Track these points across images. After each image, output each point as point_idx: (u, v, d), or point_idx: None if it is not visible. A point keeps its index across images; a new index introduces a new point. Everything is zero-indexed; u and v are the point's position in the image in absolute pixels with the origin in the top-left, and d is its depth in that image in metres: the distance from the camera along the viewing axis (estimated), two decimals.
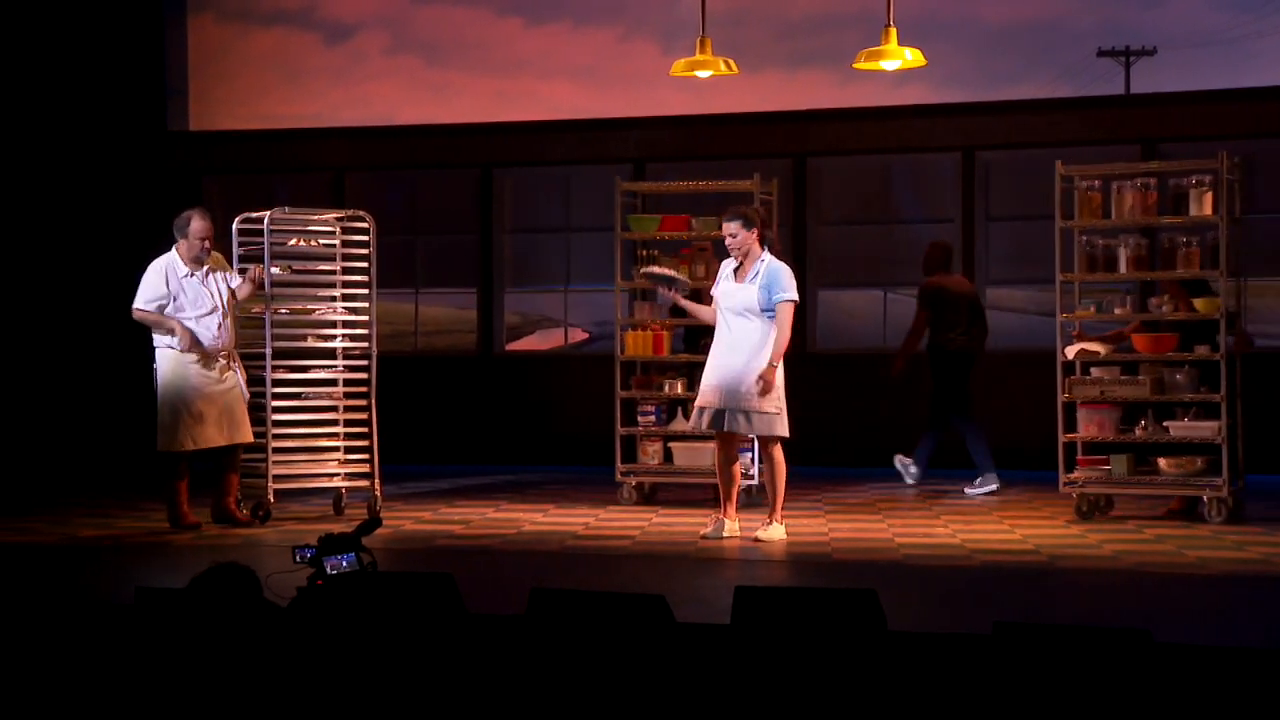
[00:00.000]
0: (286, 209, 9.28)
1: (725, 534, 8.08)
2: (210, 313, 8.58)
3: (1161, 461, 8.76)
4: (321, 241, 9.30)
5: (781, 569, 7.42)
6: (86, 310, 12.86)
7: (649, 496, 9.71)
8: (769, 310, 7.97)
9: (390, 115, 13.04)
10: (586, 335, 13.16)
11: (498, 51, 13.00)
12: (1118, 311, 9.08)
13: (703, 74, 9.74)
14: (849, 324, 11.93)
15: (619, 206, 9.84)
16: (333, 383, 9.23)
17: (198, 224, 8.59)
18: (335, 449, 9.17)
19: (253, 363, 8.98)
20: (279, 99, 13.22)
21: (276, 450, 8.86)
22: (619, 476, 9.66)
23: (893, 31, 9.00)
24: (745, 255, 8.07)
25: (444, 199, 13.26)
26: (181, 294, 8.56)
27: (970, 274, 11.43)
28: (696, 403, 8.21)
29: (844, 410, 11.28)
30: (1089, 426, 8.90)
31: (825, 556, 7.70)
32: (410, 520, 8.87)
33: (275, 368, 8.93)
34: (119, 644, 5.09)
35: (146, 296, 8.58)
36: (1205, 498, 8.65)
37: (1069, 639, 4.45)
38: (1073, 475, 8.87)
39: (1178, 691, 4.44)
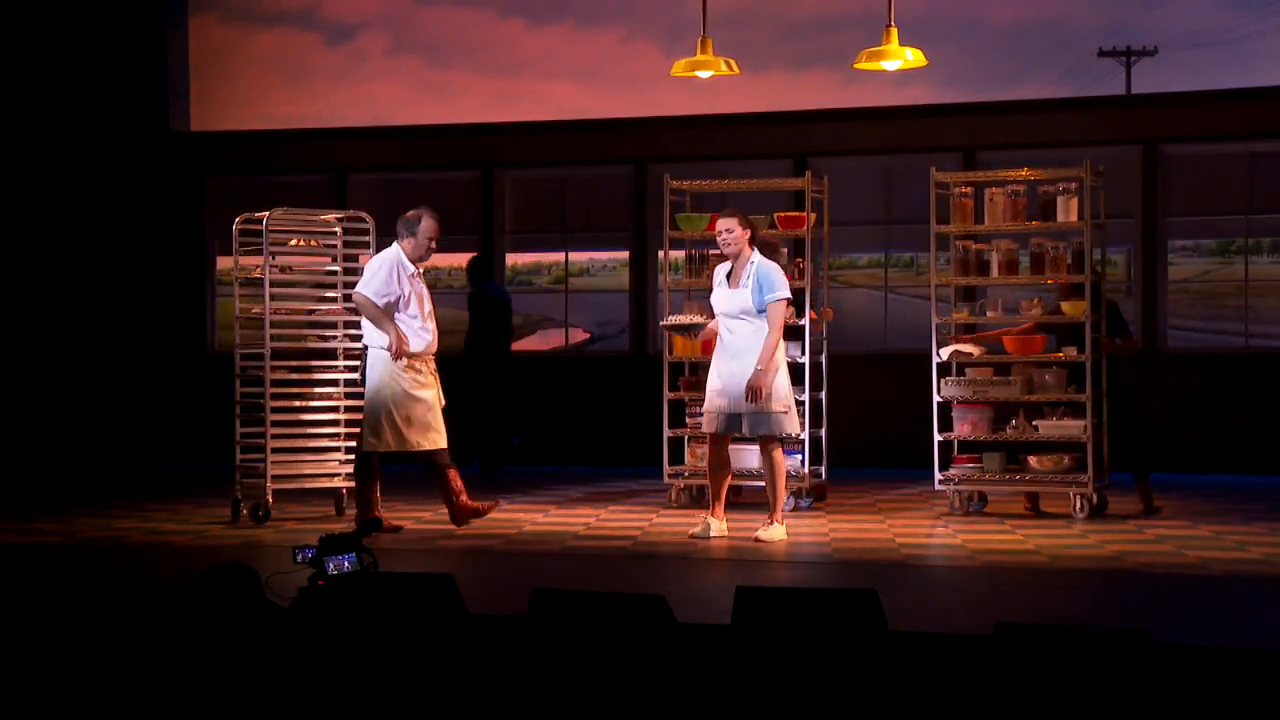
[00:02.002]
0: (286, 209, 9.28)
1: (713, 534, 8.08)
2: (429, 314, 8.45)
3: (1031, 459, 9.03)
4: (322, 242, 9.30)
5: (782, 569, 7.42)
6: (89, 311, 12.88)
7: (697, 499, 9.58)
8: (763, 310, 8.00)
9: (392, 116, 13.05)
10: (588, 336, 13.16)
11: (500, 52, 13.01)
12: (990, 314, 9.37)
13: (703, 74, 9.74)
14: (851, 325, 11.94)
15: (668, 205, 9.83)
16: (333, 383, 9.23)
17: (428, 223, 8.37)
18: (335, 449, 9.17)
19: (252, 363, 8.99)
20: (280, 99, 13.23)
21: (276, 450, 8.86)
22: (666, 479, 9.60)
23: (894, 32, 9.02)
24: (736, 257, 8.11)
25: (445, 199, 13.26)
26: (407, 293, 8.35)
27: None
28: (705, 408, 8.24)
29: (846, 410, 11.25)
30: (963, 426, 9.14)
31: (826, 557, 7.70)
32: (411, 520, 8.87)
33: (275, 368, 8.93)
34: (122, 643, 5.08)
35: (379, 290, 8.29)
36: (1071, 494, 8.88)
37: (1070, 639, 4.45)
38: (948, 473, 9.11)
39: (1178, 692, 4.44)
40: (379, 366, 8.37)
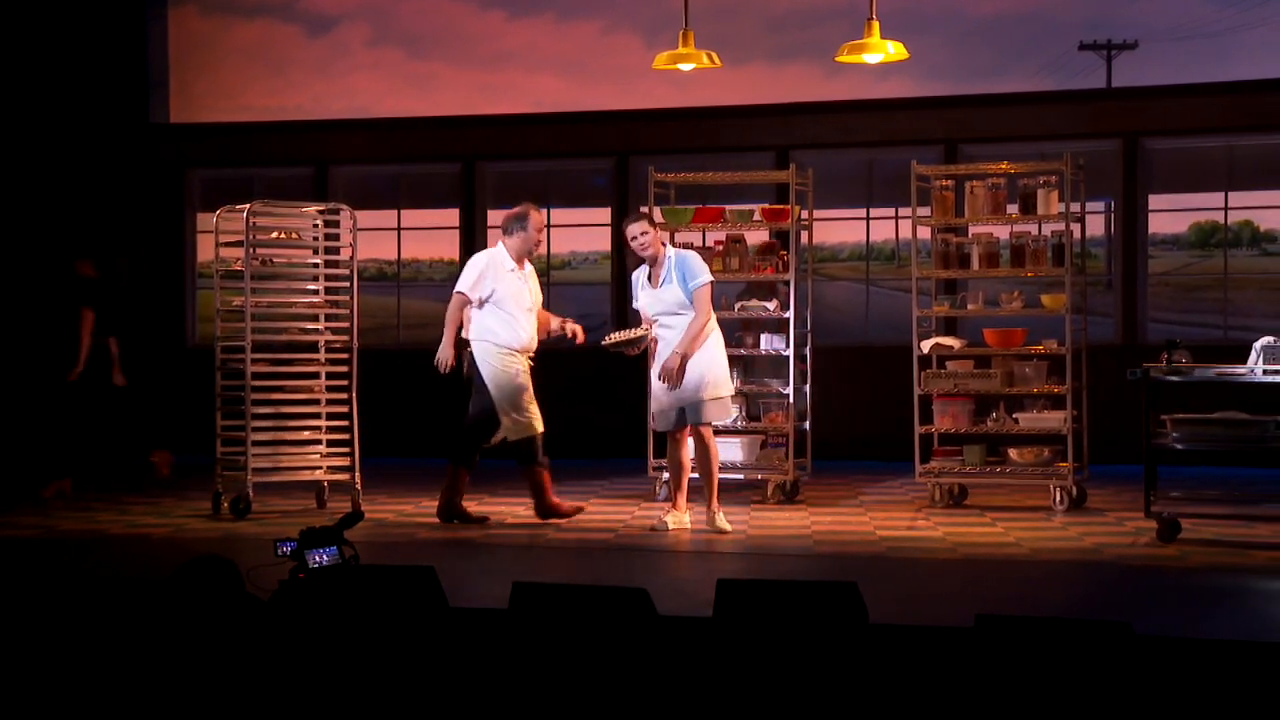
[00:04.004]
0: (267, 201, 9.25)
1: (673, 526, 8.10)
2: (529, 310, 8.47)
3: (1011, 452, 9.08)
4: (302, 234, 9.27)
5: (763, 561, 7.42)
6: (68, 304, 12.80)
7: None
8: (691, 301, 8.04)
9: (373, 108, 13.02)
10: None
11: (481, 44, 12.99)
12: (970, 307, 9.41)
13: (685, 67, 9.73)
14: (832, 318, 11.96)
15: (652, 197, 9.84)
16: (314, 375, 9.20)
17: (536, 218, 8.47)
18: (317, 442, 9.15)
19: (233, 355, 8.96)
20: (261, 91, 13.19)
21: (257, 444, 8.83)
22: (651, 472, 9.59)
23: (875, 25, 9.03)
24: (654, 259, 8.11)
25: (427, 191, 13.24)
26: (505, 289, 8.39)
27: None
28: (652, 408, 8.28)
29: (828, 403, 11.29)
30: (944, 418, 9.18)
31: (807, 549, 7.71)
32: (392, 513, 8.86)
33: (255, 360, 8.90)
34: (101, 636, 5.06)
35: (472, 287, 8.36)
36: (1051, 486, 8.94)
37: (1050, 631, 4.46)
38: (928, 465, 9.12)
39: (1158, 684, 4.45)
40: (492, 357, 8.41)
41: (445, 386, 12.81)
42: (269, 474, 8.90)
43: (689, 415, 8.09)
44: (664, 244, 8.20)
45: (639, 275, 8.24)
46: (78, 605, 5.21)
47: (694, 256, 8.14)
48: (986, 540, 7.87)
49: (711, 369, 8.03)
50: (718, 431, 8.55)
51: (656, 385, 8.17)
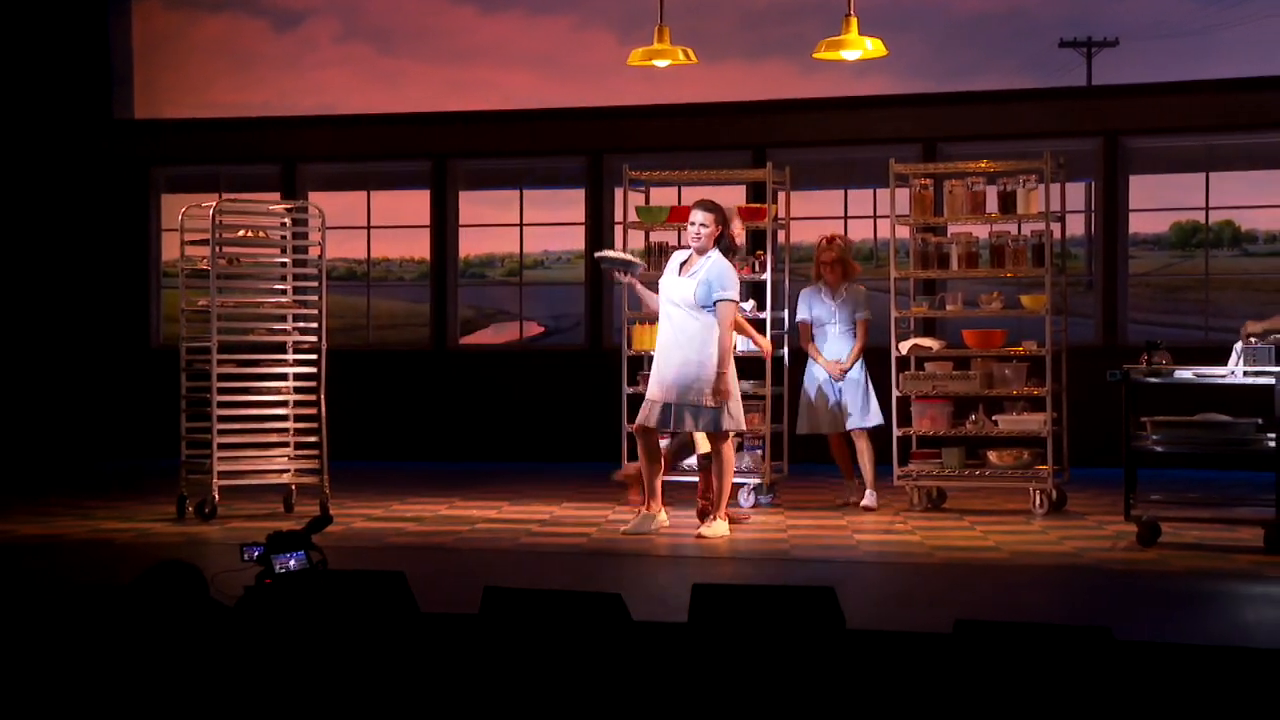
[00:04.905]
0: (234, 198, 9.12)
1: (652, 528, 8.00)
2: None
3: (991, 454, 9.05)
4: (270, 232, 9.13)
5: (739, 566, 7.35)
6: (29, 303, 12.67)
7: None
8: (707, 306, 7.91)
9: (342, 104, 12.92)
10: (542, 329, 13.07)
11: (451, 40, 12.89)
12: (949, 308, 9.38)
13: (660, 63, 9.66)
14: None
15: (627, 195, 9.73)
16: (282, 377, 9.07)
17: (737, 223, 8.43)
18: (284, 445, 9.02)
19: (198, 356, 8.82)
20: (227, 87, 13.06)
21: (223, 446, 8.70)
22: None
23: (853, 21, 8.97)
24: (701, 250, 8.01)
25: (397, 189, 13.13)
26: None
27: None
28: (647, 396, 8.12)
29: None
30: (922, 421, 9.15)
31: (784, 553, 7.64)
32: (361, 517, 8.75)
33: (222, 362, 8.76)
34: (63, 644, 4.96)
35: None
36: (1030, 489, 8.91)
37: (1030, 637, 4.43)
38: (907, 468, 9.10)
39: (1137, 689, 4.41)
40: None
41: (415, 389, 12.74)
42: (235, 477, 8.78)
43: (703, 424, 7.96)
44: (714, 245, 8.02)
45: (676, 258, 8.15)
46: (38, 612, 5.12)
47: (730, 270, 7.96)
48: (965, 544, 7.81)
49: (722, 378, 7.90)
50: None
51: (653, 378, 8.03)
